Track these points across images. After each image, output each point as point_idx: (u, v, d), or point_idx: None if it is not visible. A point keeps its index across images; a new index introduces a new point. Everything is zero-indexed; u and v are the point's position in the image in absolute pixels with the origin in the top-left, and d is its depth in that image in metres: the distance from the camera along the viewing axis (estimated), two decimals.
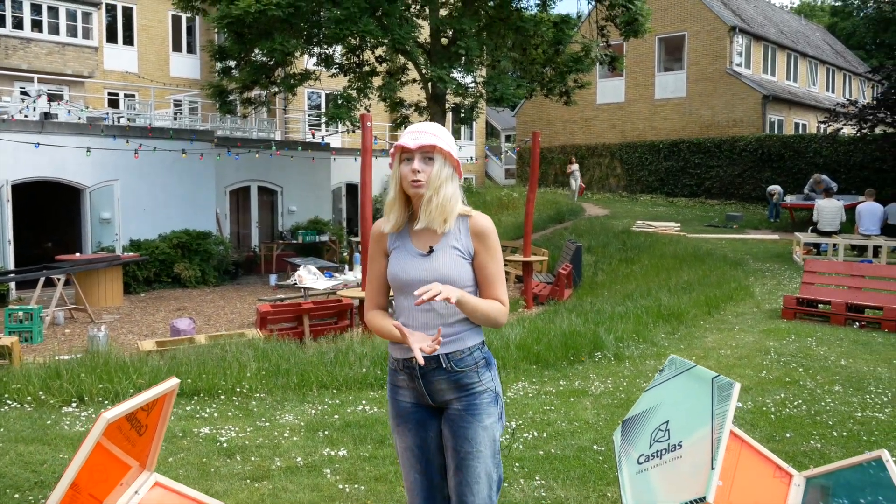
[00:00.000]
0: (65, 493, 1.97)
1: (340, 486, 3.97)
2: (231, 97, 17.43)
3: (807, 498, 3.40)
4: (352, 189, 22.11)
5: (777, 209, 19.87)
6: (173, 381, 2.48)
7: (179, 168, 15.80)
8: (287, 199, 19.12)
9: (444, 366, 2.41)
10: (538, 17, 16.92)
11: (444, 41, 16.21)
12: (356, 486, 3.99)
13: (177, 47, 26.81)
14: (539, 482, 4.11)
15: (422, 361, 2.23)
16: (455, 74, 16.47)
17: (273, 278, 16.12)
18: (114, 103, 24.40)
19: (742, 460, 3.36)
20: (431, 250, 2.41)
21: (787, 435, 4.90)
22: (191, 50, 27.40)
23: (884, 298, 8.54)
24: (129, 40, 25.35)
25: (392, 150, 2.42)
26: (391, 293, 2.59)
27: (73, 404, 5.39)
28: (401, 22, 14.74)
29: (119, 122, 17.74)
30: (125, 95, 24.78)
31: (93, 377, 5.61)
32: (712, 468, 2.62)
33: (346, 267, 13.87)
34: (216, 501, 2.71)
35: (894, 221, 13.22)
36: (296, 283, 12.03)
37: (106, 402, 5.42)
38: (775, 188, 19.95)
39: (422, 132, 2.37)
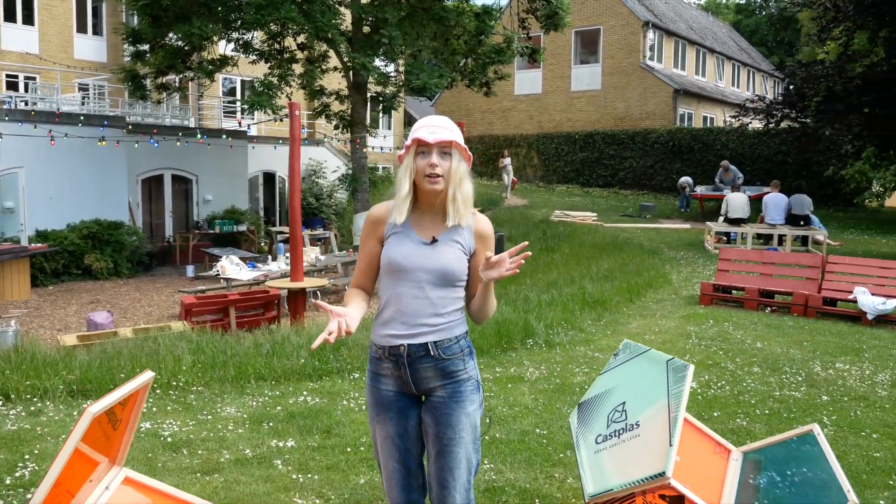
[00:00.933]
0: (49, 490, 1.93)
1: (294, 477, 3.96)
2: (144, 82, 16.85)
3: (743, 472, 3.62)
4: (269, 178, 21.73)
5: (688, 200, 20.70)
6: (148, 375, 2.44)
7: (89, 155, 15.18)
8: (202, 187, 18.63)
9: (432, 353, 2.45)
10: (460, 7, 17.00)
11: (366, 29, 16.11)
12: (309, 475, 4.00)
13: (81, 28, 25.63)
14: (488, 466, 4.20)
15: (314, 346, 2.23)
16: (377, 63, 16.40)
17: (190, 269, 15.71)
18: (12, 86, 23.19)
19: (684, 437, 3.53)
20: (435, 240, 2.44)
21: (715, 414, 5.16)
22: (97, 31, 26.24)
23: (792, 284, 9.04)
24: (28, 19, 24.07)
25: (408, 143, 2.42)
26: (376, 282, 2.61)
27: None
28: (323, 9, 14.56)
29: (20, 106, 16.88)
30: (25, 78, 23.58)
31: (18, 374, 5.39)
32: (670, 444, 2.77)
33: (270, 257, 13.64)
34: (187, 494, 2.69)
35: (797, 212, 13.96)
36: (218, 274, 11.77)
37: (35, 399, 5.21)
38: (686, 180, 20.77)
39: (440, 127, 2.39)
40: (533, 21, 17.69)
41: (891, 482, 4.00)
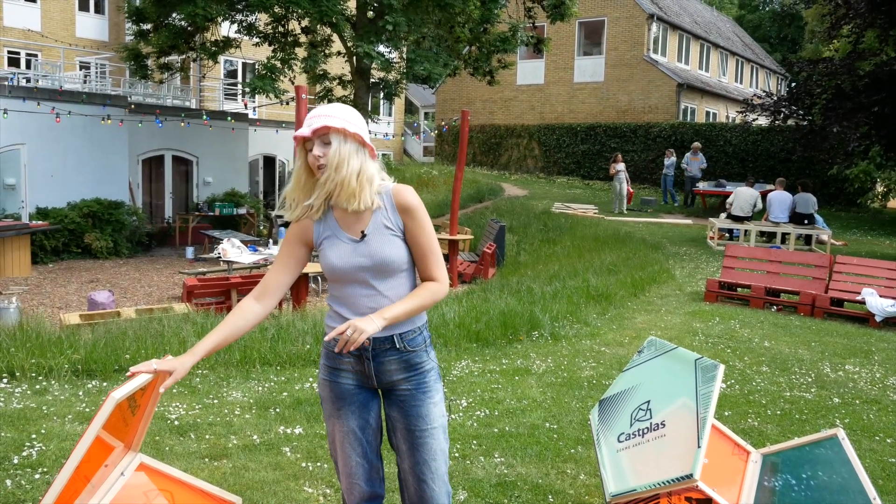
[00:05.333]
0: (73, 473, 1.86)
1: (303, 465, 3.91)
2: (147, 62, 16.71)
3: (763, 473, 3.57)
4: (269, 162, 21.62)
5: (671, 193, 21.05)
6: (170, 360, 2.37)
7: (90, 134, 15.07)
8: (203, 169, 18.52)
9: (397, 346, 2.39)
10: None
11: (371, 14, 15.98)
12: (318, 464, 3.94)
13: (83, 6, 25.43)
14: (499, 459, 4.15)
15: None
16: (381, 49, 16.27)
17: (190, 251, 15.64)
18: (14, 62, 23.00)
19: None
20: (364, 235, 2.36)
21: (726, 413, 5.11)
22: (99, 10, 26.04)
23: (799, 283, 8.99)
24: None
25: (295, 144, 2.36)
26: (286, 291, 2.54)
27: (5, 380, 5.09)
28: None
29: (22, 83, 16.73)
30: (27, 55, 23.39)
31: (23, 352, 5.31)
32: (699, 446, 2.71)
33: (271, 241, 13.57)
34: (201, 482, 2.63)
35: (802, 210, 13.90)
36: (219, 257, 11.70)
37: (40, 377, 5.15)
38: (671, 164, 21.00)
39: (315, 116, 2.29)
40: (538, 11, 17.58)
41: None
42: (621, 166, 19.59)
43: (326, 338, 2.20)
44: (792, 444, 3.47)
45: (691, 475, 2.62)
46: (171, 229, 17.52)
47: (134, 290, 11.83)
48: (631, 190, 20.28)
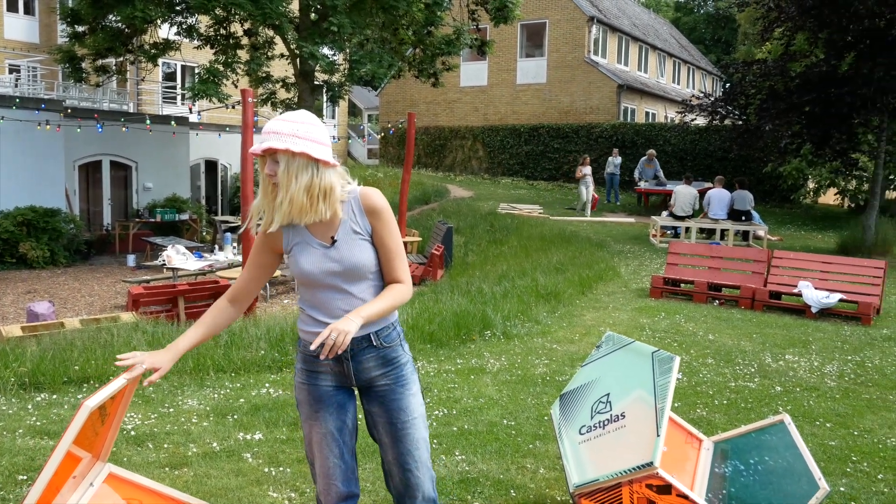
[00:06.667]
0: (45, 488, 1.85)
1: (265, 470, 3.90)
2: (82, 64, 16.29)
3: (714, 460, 3.71)
4: (211, 166, 21.28)
5: (616, 192, 21.51)
6: (139, 368, 2.36)
7: (24, 139, 14.62)
8: (142, 175, 18.13)
9: (374, 343, 2.46)
10: None
11: (314, 16, 15.88)
12: (281, 468, 3.94)
13: (12, 7, 24.66)
14: (460, 457, 4.21)
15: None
16: (325, 51, 16.19)
17: (131, 259, 15.30)
18: None
19: None
20: (334, 240, 2.40)
21: (676, 405, 5.26)
22: (28, 10, 25.28)
23: (740, 278, 9.29)
24: None
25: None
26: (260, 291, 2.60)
27: None
28: None
29: None
30: None
31: None
32: (658, 435, 2.82)
33: (216, 247, 13.38)
34: (171, 490, 2.62)
35: (739, 207, 14.35)
36: (163, 264, 11.49)
37: None
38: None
39: (267, 133, 2.32)
40: (482, 13, 17.72)
41: (847, 469, 4.15)
42: (588, 170, 19.03)
43: (312, 347, 2.22)
44: (741, 431, 3.62)
45: (651, 463, 2.72)
46: (110, 237, 17.11)
47: (74, 300, 11.53)
48: (596, 196, 20.01)
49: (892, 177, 18.73)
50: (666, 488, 2.75)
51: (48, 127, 14.12)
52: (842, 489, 3.88)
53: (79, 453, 2.34)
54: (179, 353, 2.42)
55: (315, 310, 2.44)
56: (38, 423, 4.53)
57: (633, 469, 2.76)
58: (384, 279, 2.50)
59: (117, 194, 17.78)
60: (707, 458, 3.68)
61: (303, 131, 2.31)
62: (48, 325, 7.26)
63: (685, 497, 2.75)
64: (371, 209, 2.41)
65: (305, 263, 2.39)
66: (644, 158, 20.54)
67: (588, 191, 18.98)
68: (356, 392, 2.58)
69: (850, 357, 6.69)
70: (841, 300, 8.34)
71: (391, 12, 15.96)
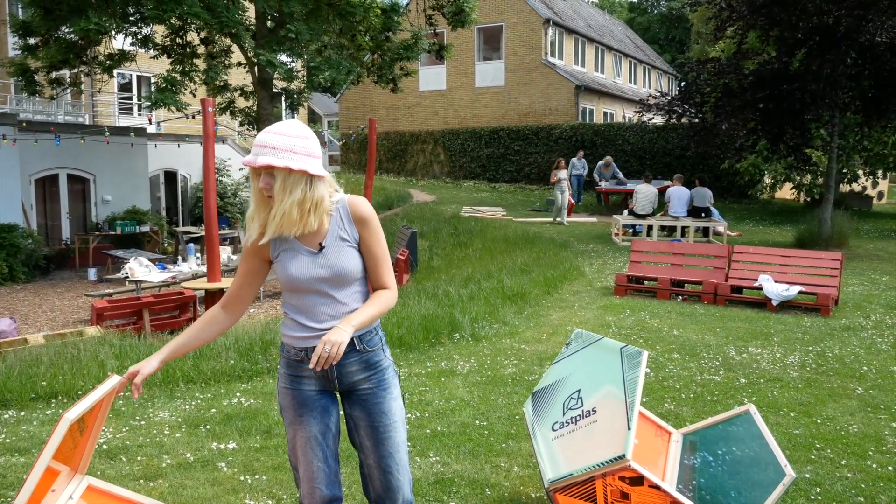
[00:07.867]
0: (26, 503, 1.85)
1: (241, 478, 3.90)
2: (36, 76, 16.02)
3: (683, 452, 3.80)
4: (170, 177, 21.04)
5: (579, 193, 21.76)
6: (115, 379, 2.36)
7: None
8: (101, 187, 17.86)
9: (357, 348, 2.49)
10: (366, 3, 16.90)
11: (271, 24, 15.82)
12: (256, 476, 3.94)
13: None
14: (434, 458, 4.25)
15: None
16: (283, 58, 16.13)
17: (92, 272, 15.08)
18: None
19: None
20: (322, 247, 2.44)
21: (644, 399, 5.36)
22: None
23: (702, 274, 9.47)
24: None
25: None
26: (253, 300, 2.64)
27: None
28: (227, 3, 14.20)
29: None
30: None
31: None
32: (629, 428, 2.89)
33: (180, 258, 13.25)
34: (151, 500, 2.62)
35: (699, 204, 14.62)
36: (126, 277, 11.36)
37: None
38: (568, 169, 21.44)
39: (262, 147, 2.33)
40: (439, 18, 17.81)
41: (812, 457, 4.27)
42: (563, 174, 18.06)
43: (310, 366, 2.23)
44: (708, 423, 3.71)
45: (624, 455, 2.80)
46: (70, 251, 16.81)
47: (36, 315, 11.35)
48: (572, 200, 19.45)
49: (844, 170, 19.21)
50: (638, 480, 2.82)
51: (4, 141, 13.84)
52: (807, 476, 4.00)
53: (57, 467, 2.34)
54: (164, 358, 2.49)
55: (299, 314, 2.47)
56: (8, 441, 4.47)
57: (606, 462, 2.83)
58: (371, 285, 2.55)
59: (76, 208, 17.49)
60: (677, 449, 3.77)
61: (299, 146, 2.34)
62: (11, 341, 7.14)
63: (657, 488, 2.83)
64: (359, 218, 2.46)
65: (293, 269, 2.42)
66: (601, 163, 20.84)
67: (564, 196, 18.06)
68: (338, 397, 2.61)
69: (810, 348, 6.87)
70: (800, 292, 8.55)
71: (348, 18, 15.97)
